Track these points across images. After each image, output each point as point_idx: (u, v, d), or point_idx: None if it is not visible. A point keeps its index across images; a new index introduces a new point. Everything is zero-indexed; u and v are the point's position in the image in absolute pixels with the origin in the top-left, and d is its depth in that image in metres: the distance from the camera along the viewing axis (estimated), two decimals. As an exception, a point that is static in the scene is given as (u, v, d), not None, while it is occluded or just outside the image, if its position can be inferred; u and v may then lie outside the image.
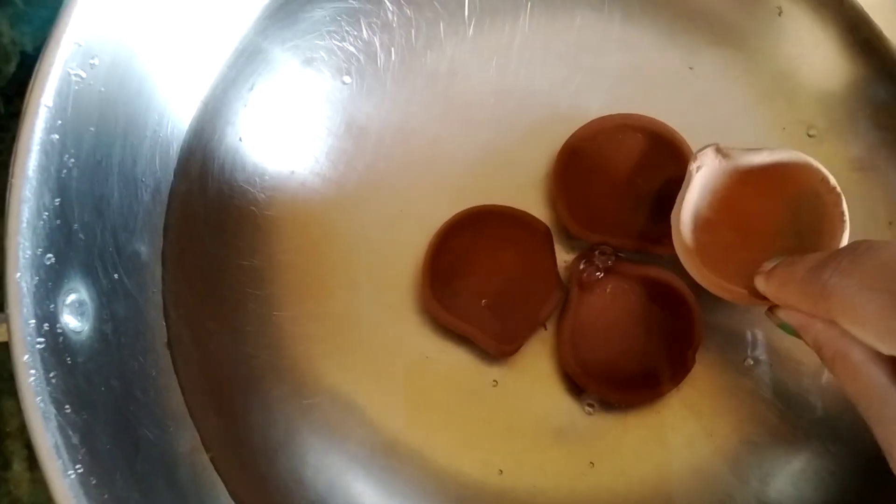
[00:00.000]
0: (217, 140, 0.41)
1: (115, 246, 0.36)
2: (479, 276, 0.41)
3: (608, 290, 0.41)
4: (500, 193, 0.42)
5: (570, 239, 0.41)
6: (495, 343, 0.40)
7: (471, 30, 0.43)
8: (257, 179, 0.41)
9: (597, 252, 0.40)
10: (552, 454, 0.40)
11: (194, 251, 0.40)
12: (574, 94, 0.42)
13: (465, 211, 0.41)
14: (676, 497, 0.39)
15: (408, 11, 0.43)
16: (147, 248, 0.38)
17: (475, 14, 0.42)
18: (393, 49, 0.43)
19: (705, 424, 0.40)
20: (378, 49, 0.43)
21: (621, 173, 0.41)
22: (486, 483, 0.40)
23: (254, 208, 0.41)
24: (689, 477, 0.39)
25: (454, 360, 0.41)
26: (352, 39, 0.43)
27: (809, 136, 0.42)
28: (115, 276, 0.36)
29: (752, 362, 0.41)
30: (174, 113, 0.40)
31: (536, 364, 0.41)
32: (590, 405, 0.41)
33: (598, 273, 0.40)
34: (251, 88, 0.42)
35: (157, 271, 0.39)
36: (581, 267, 0.40)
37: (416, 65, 0.43)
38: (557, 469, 0.40)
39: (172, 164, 0.40)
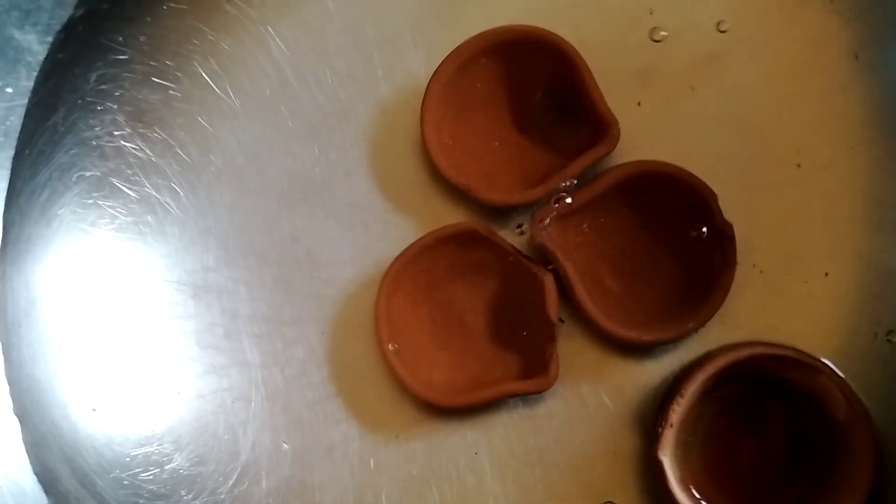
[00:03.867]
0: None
1: None
2: (457, 330, 0.32)
3: (585, 228, 0.32)
4: (395, 238, 0.33)
5: (501, 215, 0.32)
6: (533, 381, 0.30)
7: (234, 99, 0.33)
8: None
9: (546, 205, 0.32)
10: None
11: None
12: (390, 69, 0.33)
13: (385, 280, 0.32)
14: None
15: (157, 134, 0.33)
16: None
17: (220, 77, 0.33)
18: (174, 185, 0.33)
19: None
20: (157, 197, 0.33)
21: (502, 103, 0.33)
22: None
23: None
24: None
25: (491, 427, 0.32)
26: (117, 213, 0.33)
27: None
28: None
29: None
30: None
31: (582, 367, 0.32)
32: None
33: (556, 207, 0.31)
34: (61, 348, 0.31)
35: None
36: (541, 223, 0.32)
37: (206, 178, 0.33)
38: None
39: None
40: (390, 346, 0.31)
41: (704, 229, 0.31)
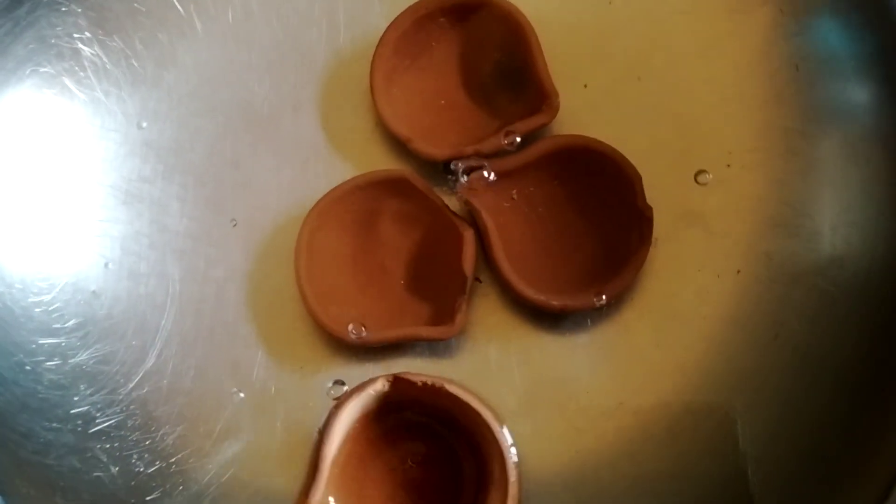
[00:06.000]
0: None
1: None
2: (376, 273, 0.33)
3: (514, 194, 0.33)
4: (332, 177, 0.33)
5: (436, 172, 0.33)
6: (438, 328, 0.31)
7: (196, 21, 0.34)
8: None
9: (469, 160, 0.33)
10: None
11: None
12: (353, 18, 0.34)
13: (311, 214, 0.32)
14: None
15: (115, 42, 0.34)
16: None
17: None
18: (124, 95, 0.34)
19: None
20: (105, 103, 0.34)
21: (454, 65, 0.34)
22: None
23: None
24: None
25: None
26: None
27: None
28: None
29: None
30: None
31: (492, 328, 0.33)
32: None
33: (488, 175, 0.32)
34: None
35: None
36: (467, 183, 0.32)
37: (157, 93, 0.34)
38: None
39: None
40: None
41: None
